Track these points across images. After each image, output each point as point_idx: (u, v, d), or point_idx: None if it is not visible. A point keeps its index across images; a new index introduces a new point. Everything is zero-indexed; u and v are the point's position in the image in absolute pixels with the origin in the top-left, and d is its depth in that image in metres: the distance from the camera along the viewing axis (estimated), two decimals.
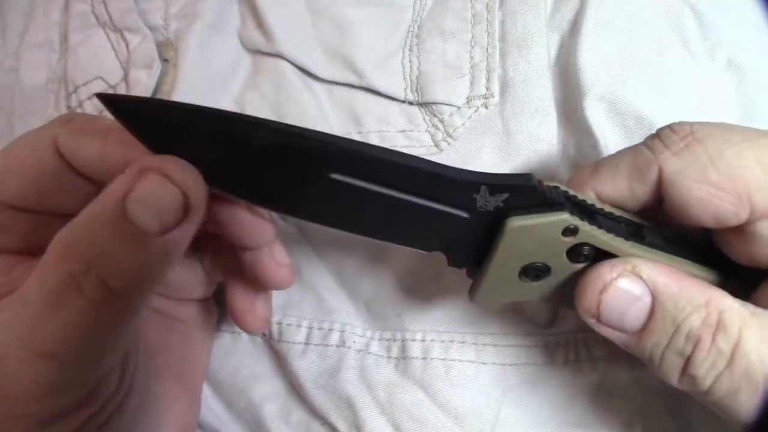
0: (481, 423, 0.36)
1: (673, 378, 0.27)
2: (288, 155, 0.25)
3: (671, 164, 0.27)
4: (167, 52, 0.37)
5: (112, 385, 0.28)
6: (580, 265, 0.28)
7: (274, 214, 0.33)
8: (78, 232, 0.25)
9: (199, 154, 0.25)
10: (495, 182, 0.26)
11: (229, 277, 0.34)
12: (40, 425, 0.25)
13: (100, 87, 0.38)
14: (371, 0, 0.37)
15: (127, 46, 0.38)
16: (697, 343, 0.26)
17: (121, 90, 0.38)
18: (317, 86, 0.37)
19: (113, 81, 0.38)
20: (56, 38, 0.39)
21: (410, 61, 0.36)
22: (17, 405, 0.25)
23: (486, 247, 0.28)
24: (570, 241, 0.27)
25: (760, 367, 0.25)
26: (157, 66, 0.37)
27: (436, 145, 0.36)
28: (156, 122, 0.24)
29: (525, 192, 0.27)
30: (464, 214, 0.27)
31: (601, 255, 0.28)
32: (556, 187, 0.28)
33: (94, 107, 0.38)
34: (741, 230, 0.27)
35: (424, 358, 0.36)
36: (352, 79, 0.36)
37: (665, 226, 0.30)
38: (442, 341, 0.37)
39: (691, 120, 0.28)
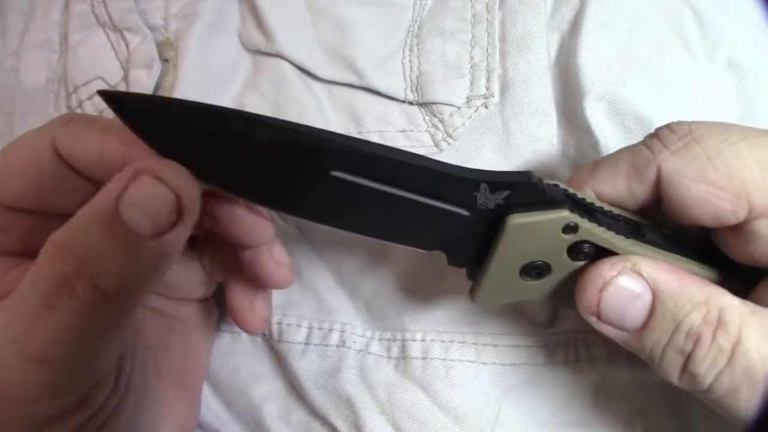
0: (481, 423, 0.36)
1: (674, 376, 0.27)
2: (290, 152, 0.25)
3: (670, 164, 0.27)
4: (167, 52, 0.37)
5: (108, 387, 0.28)
6: (581, 263, 0.28)
7: (274, 214, 0.33)
8: (71, 233, 0.25)
9: (200, 151, 0.25)
10: (495, 180, 0.26)
11: (228, 277, 0.34)
12: (36, 428, 0.26)
13: (100, 87, 0.38)
14: (371, 0, 0.37)
15: (127, 46, 0.38)
16: (697, 341, 0.26)
17: (121, 90, 0.38)
18: (317, 86, 0.37)
19: (113, 81, 0.38)
20: (56, 38, 0.39)
21: (410, 61, 0.36)
22: (12, 407, 0.25)
23: (486, 246, 0.28)
24: (570, 238, 0.27)
25: (760, 365, 0.25)
26: (157, 66, 0.37)
27: (436, 145, 0.36)
28: (157, 119, 0.24)
29: (525, 189, 0.27)
30: (464, 212, 0.27)
31: (602, 253, 0.28)
32: (556, 185, 0.28)
33: (94, 107, 0.38)
34: (739, 229, 0.27)
35: (424, 358, 0.36)
36: (352, 79, 0.36)
37: (664, 225, 0.30)
38: (442, 341, 0.37)
39: (691, 120, 0.28)
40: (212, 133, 0.24)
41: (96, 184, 0.29)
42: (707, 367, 0.26)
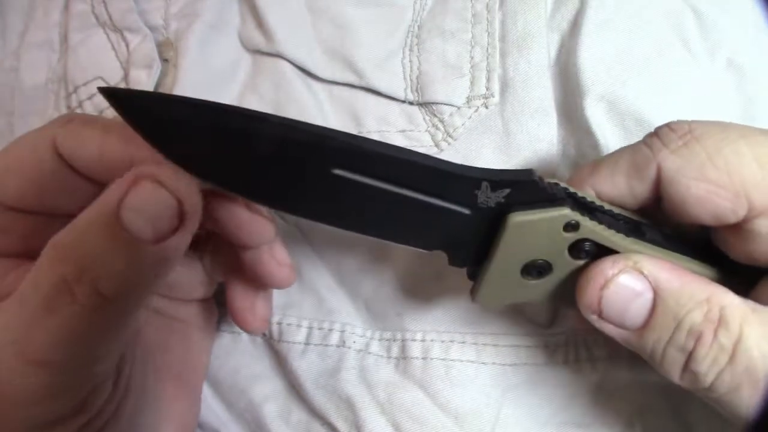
0: (481, 423, 0.36)
1: (675, 375, 0.27)
2: (291, 150, 0.25)
3: (670, 162, 0.27)
4: (167, 52, 0.37)
5: (108, 391, 0.28)
6: (582, 262, 0.28)
7: (274, 214, 0.33)
8: (72, 236, 0.25)
9: (201, 149, 0.25)
10: (496, 178, 0.26)
11: (229, 277, 0.34)
12: (35, 430, 0.25)
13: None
14: (371, 0, 0.37)
15: (127, 46, 0.38)
16: (698, 339, 0.26)
17: None
18: (317, 86, 0.37)
19: (113, 81, 0.38)
20: (56, 38, 0.39)
21: (410, 61, 0.36)
22: (11, 409, 0.25)
23: (487, 246, 0.28)
24: (571, 236, 0.27)
25: (761, 363, 0.25)
26: (157, 66, 0.37)
27: (437, 145, 0.36)
28: (158, 116, 0.24)
29: (526, 187, 0.27)
30: (465, 211, 0.27)
31: (603, 252, 0.28)
32: (557, 184, 0.28)
33: (94, 107, 0.38)
34: (739, 228, 0.27)
35: (424, 358, 0.36)
36: (352, 79, 0.36)
37: (664, 224, 0.30)
38: (442, 341, 0.37)
39: (691, 119, 0.28)
40: (213, 130, 0.24)
41: (96, 184, 0.29)
42: (708, 366, 0.26)
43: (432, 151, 0.36)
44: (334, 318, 0.38)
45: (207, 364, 0.38)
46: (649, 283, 0.27)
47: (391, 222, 0.27)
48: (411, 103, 0.36)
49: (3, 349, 0.24)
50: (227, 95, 0.37)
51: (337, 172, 0.25)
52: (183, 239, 0.25)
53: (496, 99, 0.35)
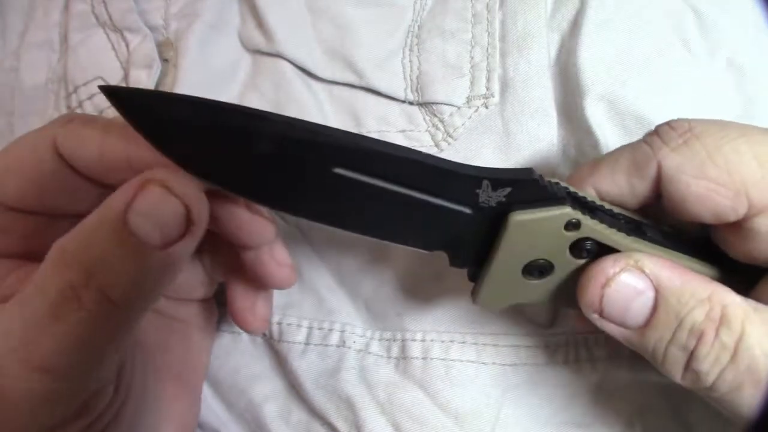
0: (481, 423, 0.36)
1: (677, 374, 0.27)
2: (292, 148, 0.25)
3: (670, 160, 0.27)
4: (167, 52, 0.37)
5: (109, 394, 0.28)
6: (583, 262, 0.28)
7: (274, 214, 0.33)
8: (78, 241, 0.24)
9: (201, 148, 0.25)
10: (497, 176, 0.26)
11: (229, 277, 0.34)
12: None
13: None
14: (371, 0, 0.37)
15: (127, 46, 0.38)
16: (700, 338, 0.26)
17: None
18: (317, 86, 0.37)
19: (113, 81, 0.38)
20: (56, 38, 0.39)
21: (410, 61, 0.36)
22: (13, 416, 0.25)
23: (488, 246, 0.28)
24: (573, 235, 0.27)
25: (763, 362, 0.25)
26: (157, 66, 0.37)
27: (437, 145, 0.36)
28: (158, 115, 0.24)
29: (527, 186, 0.27)
30: (467, 210, 0.27)
31: (604, 251, 0.28)
32: (557, 183, 0.28)
33: (94, 107, 0.38)
34: (738, 226, 0.27)
35: (424, 358, 0.36)
36: (352, 79, 0.36)
37: (664, 222, 0.30)
38: (442, 341, 0.37)
39: (691, 118, 0.28)
40: (214, 129, 0.24)
41: (97, 184, 0.29)
42: (710, 364, 0.26)
43: (432, 151, 0.36)
44: (334, 318, 0.38)
45: (207, 364, 0.38)
46: (651, 281, 0.27)
47: (392, 222, 0.27)
48: (411, 103, 0.36)
49: (5, 354, 0.24)
50: (227, 95, 0.37)
51: (338, 171, 0.25)
52: (190, 245, 0.25)
53: (496, 99, 0.35)
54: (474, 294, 0.30)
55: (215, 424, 0.38)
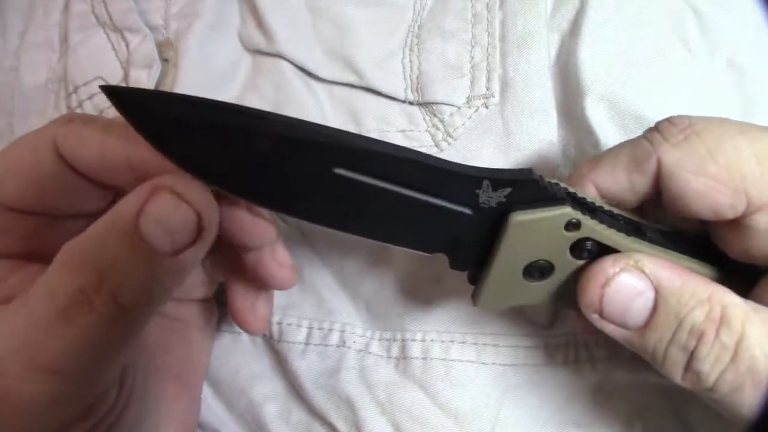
0: (481, 423, 0.36)
1: (677, 374, 0.27)
2: (292, 149, 0.25)
3: (670, 156, 0.27)
4: (167, 52, 0.37)
5: (113, 396, 0.28)
6: (583, 262, 0.28)
7: (275, 215, 0.33)
8: (89, 245, 0.24)
9: (202, 149, 0.25)
10: (497, 177, 0.26)
11: (230, 277, 0.34)
12: None
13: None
14: (371, 0, 0.37)
15: (127, 46, 0.38)
16: (700, 338, 0.26)
17: None
18: (317, 86, 0.37)
19: (113, 81, 0.38)
20: (56, 38, 0.39)
21: (410, 61, 0.36)
22: (18, 419, 0.25)
23: (489, 248, 0.28)
24: (573, 236, 0.27)
25: (763, 363, 0.25)
26: (157, 66, 0.37)
27: (437, 145, 0.36)
28: (159, 114, 0.24)
29: (527, 186, 0.27)
30: (467, 211, 0.27)
31: (604, 252, 0.28)
32: (557, 184, 0.28)
33: (94, 107, 0.38)
34: (737, 224, 0.27)
35: (424, 358, 0.36)
36: (352, 79, 0.36)
37: (663, 221, 0.30)
38: (442, 341, 0.37)
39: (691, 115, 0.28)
40: (214, 129, 0.24)
41: (97, 185, 0.29)
42: (711, 365, 0.26)
43: (432, 151, 0.36)
44: (334, 318, 0.38)
45: (207, 364, 0.38)
46: (651, 281, 0.27)
47: (392, 223, 0.27)
48: (411, 103, 0.36)
49: (10, 356, 0.24)
50: (227, 95, 0.37)
51: (339, 171, 0.25)
52: (200, 252, 0.25)
53: (496, 99, 0.35)
54: (474, 296, 0.30)
55: (215, 424, 0.38)
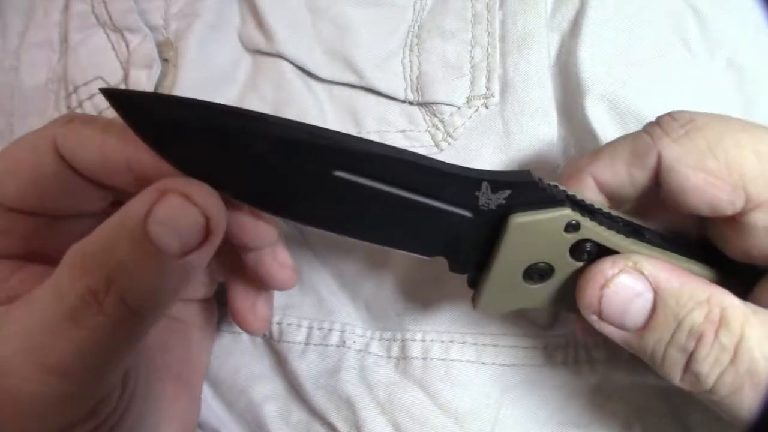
0: (481, 423, 0.36)
1: (676, 376, 0.27)
2: (293, 151, 0.25)
3: (670, 150, 0.27)
4: (167, 52, 0.37)
5: (115, 398, 0.28)
6: (583, 264, 0.28)
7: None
8: (97, 247, 0.24)
9: (200, 151, 0.25)
10: (496, 178, 0.26)
11: (230, 277, 0.33)
12: None
13: (100, 87, 0.38)
14: (371, 0, 0.37)
15: (127, 46, 0.38)
16: (699, 339, 0.26)
17: None
18: (317, 86, 0.37)
19: (113, 81, 0.38)
20: (56, 38, 0.39)
21: (410, 61, 0.36)
22: (22, 419, 0.25)
23: (488, 251, 0.28)
24: (572, 237, 0.27)
25: (763, 365, 0.25)
26: (157, 66, 0.37)
27: (437, 145, 0.36)
28: (158, 117, 0.24)
29: (527, 188, 0.27)
30: (467, 214, 0.27)
31: (603, 253, 0.28)
32: (556, 186, 0.28)
33: (94, 107, 0.38)
34: (735, 221, 0.27)
35: (424, 358, 0.36)
36: (352, 79, 0.36)
37: (661, 217, 0.30)
38: (442, 341, 0.37)
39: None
40: (213, 131, 0.24)
41: (98, 185, 0.29)
42: (710, 366, 0.26)
43: (432, 151, 0.36)
44: (334, 318, 0.38)
45: (207, 364, 0.38)
46: (650, 283, 0.27)
47: (392, 226, 0.27)
48: (411, 103, 0.36)
49: (15, 356, 0.24)
50: (227, 95, 0.37)
51: (338, 174, 0.25)
52: (207, 254, 0.25)
53: (496, 99, 0.35)
54: (474, 299, 0.30)
55: (215, 424, 0.38)
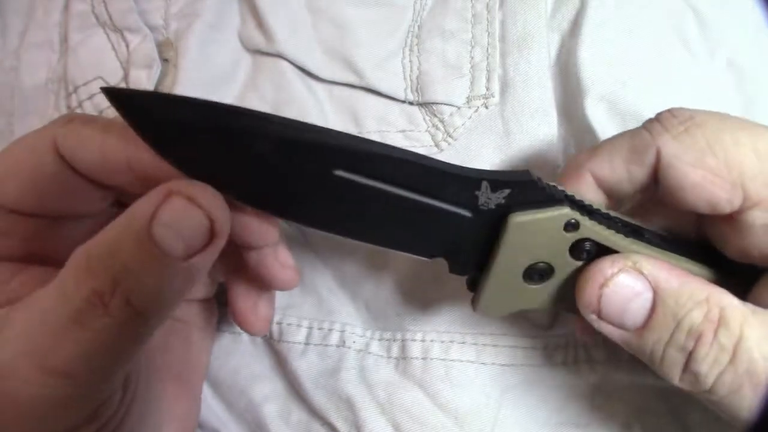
0: (481, 423, 0.36)
1: (675, 375, 0.27)
2: (293, 151, 0.25)
3: (669, 147, 0.27)
4: (167, 52, 0.37)
5: (117, 400, 0.27)
6: (582, 263, 0.28)
7: None
8: (102, 248, 0.24)
9: (201, 150, 0.25)
10: (496, 178, 0.26)
11: (231, 278, 0.33)
12: None
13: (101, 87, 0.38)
14: (371, 0, 0.37)
15: (127, 46, 0.38)
16: (698, 339, 0.26)
17: None
18: (317, 86, 0.37)
19: (113, 81, 0.38)
20: (56, 38, 0.39)
21: (410, 61, 0.36)
22: (23, 421, 0.24)
23: (488, 252, 0.28)
24: (572, 236, 0.27)
25: (762, 365, 0.25)
26: (157, 66, 0.37)
27: (437, 145, 0.36)
28: (159, 116, 0.24)
29: (526, 188, 0.27)
30: (467, 213, 0.27)
31: (603, 252, 0.28)
32: (554, 186, 0.28)
33: (94, 107, 0.38)
34: (733, 219, 0.27)
35: (424, 358, 0.36)
36: (352, 79, 0.36)
37: (660, 215, 0.30)
38: (442, 341, 0.37)
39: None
40: (214, 131, 0.24)
41: (98, 185, 0.28)
42: (709, 366, 0.26)
43: (432, 151, 0.36)
44: (334, 318, 0.38)
45: (207, 364, 0.38)
46: (649, 282, 0.27)
47: (393, 227, 0.27)
48: (411, 103, 0.36)
49: (18, 358, 0.24)
50: (227, 95, 0.37)
51: (339, 173, 0.25)
52: (211, 257, 0.25)
53: (496, 99, 0.35)
54: (474, 301, 0.30)
55: (215, 424, 0.38)
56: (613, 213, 0.29)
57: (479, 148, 0.36)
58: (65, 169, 0.28)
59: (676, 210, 0.29)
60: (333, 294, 0.38)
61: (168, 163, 0.25)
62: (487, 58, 0.36)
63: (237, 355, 0.39)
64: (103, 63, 0.38)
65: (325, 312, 0.38)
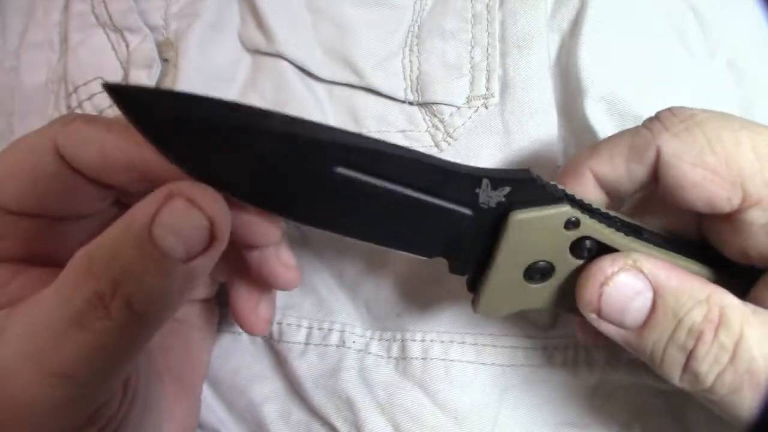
0: (481, 423, 0.36)
1: (675, 375, 0.27)
2: (294, 147, 0.25)
3: (669, 145, 0.27)
4: (167, 52, 0.37)
5: (117, 401, 0.27)
6: (583, 262, 0.28)
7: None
8: (103, 251, 0.24)
9: (202, 147, 0.24)
10: (496, 175, 0.26)
11: (232, 278, 0.33)
12: None
13: (100, 87, 0.38)
14: (371, 0, 0.37)
15: (127, 46, 0.38)
16: (699, 338, 0.26)
17: None
18: (317, 86, 0.37)
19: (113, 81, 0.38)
20: (56, 38, 0.39)
21: (410, 61, 0.36)
22: (21, 423, 0.24)
23: (488, 252, 0.28)
24: (573, 234, 0.27)
25: (762, 365, 0.25)
26: (157, 66, 0.37)
27: (437, 145, 0.36)
28: (159, 113, 0.24)
29: (526, 185, 0.27)
30: (467, 211, 0.27)
31: (603, 251, 0.28)
32: (554, 185, 0.28)
33: (94, 107, 0.38)
34: (732, 218, 0.27)
35: (423, 359, 0.36)
36: (352, 79, 0.36)
37: (659, 213, 0.30)
38: (442, 341, 0.37)
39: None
40: (215, 126, 0.24)
41: (99, 185, 0.28)
42: (709, 365, 0.26)
43: (432, 151, 0.36)
44: (334, 318, 0.38)
45: (207, 365, 0.38)
46: (649, 281, 0.27)
47: (393, 225, 0.27)
48: (411, 103, 0.36)
49: (18, 359, 0.24)
50: (227, 95, 0.37)
51: (339, 170, 0.25)
52: (212, 259, 0.25)
53: (496, 99, 0.35)
54: (475, 302, 0.30)
55: (215, 424, 0.38)
56: (612, 213, 0.29)
57: (479, 148, 0.36)
58: (65, 169, 0.28)
59: (675, 209, 0.29)
60: (333, 294, 0.38)
61: (168, 161, 0.25)
62: (487, 58, 0.36)
63: (237, 355, 0.39)
64: (103, 63, 0.38)
65: (324, 312, 0.38)
